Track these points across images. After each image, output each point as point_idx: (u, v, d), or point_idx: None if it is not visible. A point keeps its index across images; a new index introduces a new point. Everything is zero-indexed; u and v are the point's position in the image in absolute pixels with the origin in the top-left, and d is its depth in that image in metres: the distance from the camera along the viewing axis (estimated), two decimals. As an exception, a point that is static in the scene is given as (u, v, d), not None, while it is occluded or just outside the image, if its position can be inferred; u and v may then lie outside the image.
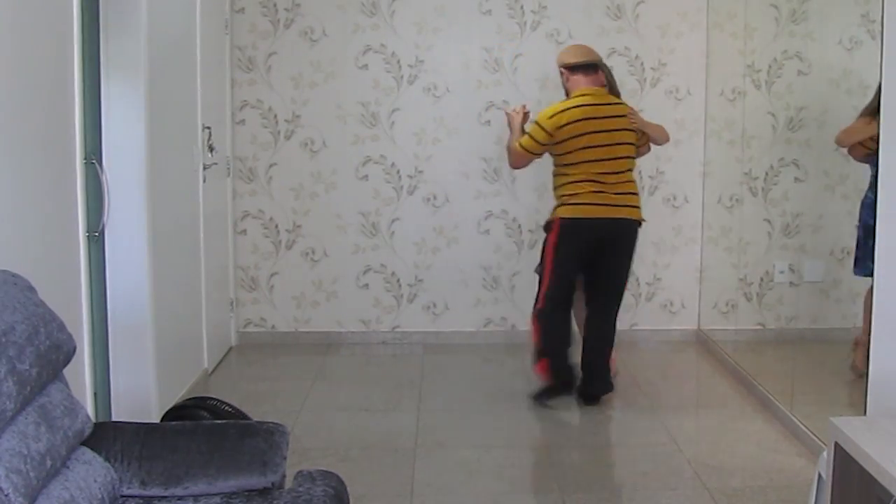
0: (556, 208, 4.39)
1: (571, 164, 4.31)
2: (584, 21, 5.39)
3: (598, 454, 3.91)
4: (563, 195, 4.33)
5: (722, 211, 5.35)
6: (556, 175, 4.42)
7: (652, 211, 5.53)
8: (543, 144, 4.33)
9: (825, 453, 2.46)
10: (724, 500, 3.37)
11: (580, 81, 4.38)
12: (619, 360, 5.12)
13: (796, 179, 4.82)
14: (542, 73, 5.40)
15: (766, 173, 5.08)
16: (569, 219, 4.30)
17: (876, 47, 3.10)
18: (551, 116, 4.29)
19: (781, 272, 4.95)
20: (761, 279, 5.23)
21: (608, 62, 5.40)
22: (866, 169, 3.91)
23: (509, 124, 4.51)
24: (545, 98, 5.41)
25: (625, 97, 5.49)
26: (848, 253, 4.38)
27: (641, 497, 3.43)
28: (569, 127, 4.26)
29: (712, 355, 5.25)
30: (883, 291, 2.90)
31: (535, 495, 3.48)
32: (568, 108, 4.30)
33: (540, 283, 4.41)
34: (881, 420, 2.40)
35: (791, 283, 4.69)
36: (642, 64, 5.43)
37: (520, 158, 4.43)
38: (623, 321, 5.32)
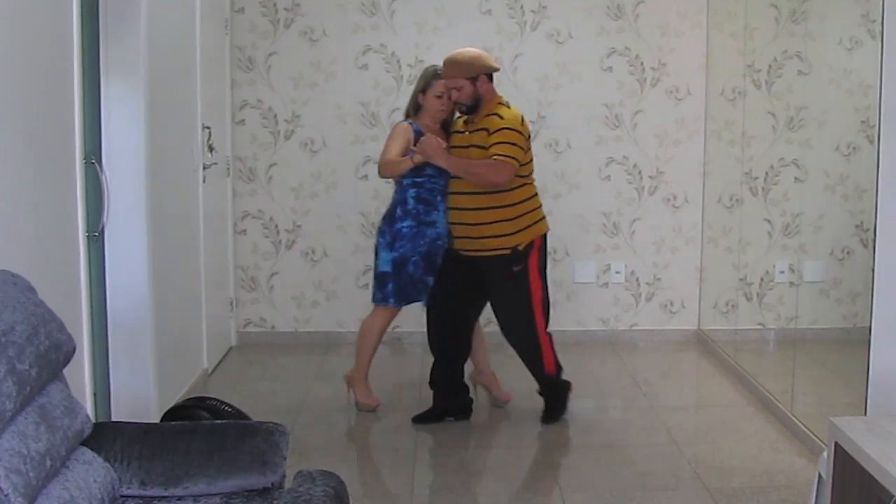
0: (531, 226, 4.02)
1: (531, 173, 4.04)
2: (584, 21, 5.38)
3: (598, 454, 3.90)
4: (536, 208, 4.05)
5: (722, 211, 5.35)
6: (519, 188, 3.98)
7: (652, 211, 5.54)
8: (526, 152, 3.97)
9: (825, 453, 2.46)
10: (724, 500, 3.36)
11: (492, 87, 4.02)
12: (620, 359, 5.12)
13: (796, 179, 4.81)
14: (541, 73, 5.40)
15: (766, 173, 5.08)
16: (545, 234, 4.08)
17: (876, 47, 3.10)
18: (522, 122, 3.95)
19: (781, 272, 4.95)
20: (761, 279, 5.22)
21: (608, 62, 5.43)
22: (867, 169, 3.90)
23: (422, 152, 3.96)
24: (545, 98, 5.42)
25: (625, 97, 5.52)
26: (848, 253, 4.37)
27: (641, 497, 3.43)
28: (529, 133, 4.01)
29: (712, 355, 5.25)
30: (883, 291, 2.89)
31: (535, 495, 3.48)
32: (521, 113, 3.98)
33: (538, 306, 4.08)
34: (881, 420, 2.40)
35: (791, 283, 4.68)
36: (642, 64, 5.42)
37: (509, 170, 3.85)
38: (623, 321, 5.32)
